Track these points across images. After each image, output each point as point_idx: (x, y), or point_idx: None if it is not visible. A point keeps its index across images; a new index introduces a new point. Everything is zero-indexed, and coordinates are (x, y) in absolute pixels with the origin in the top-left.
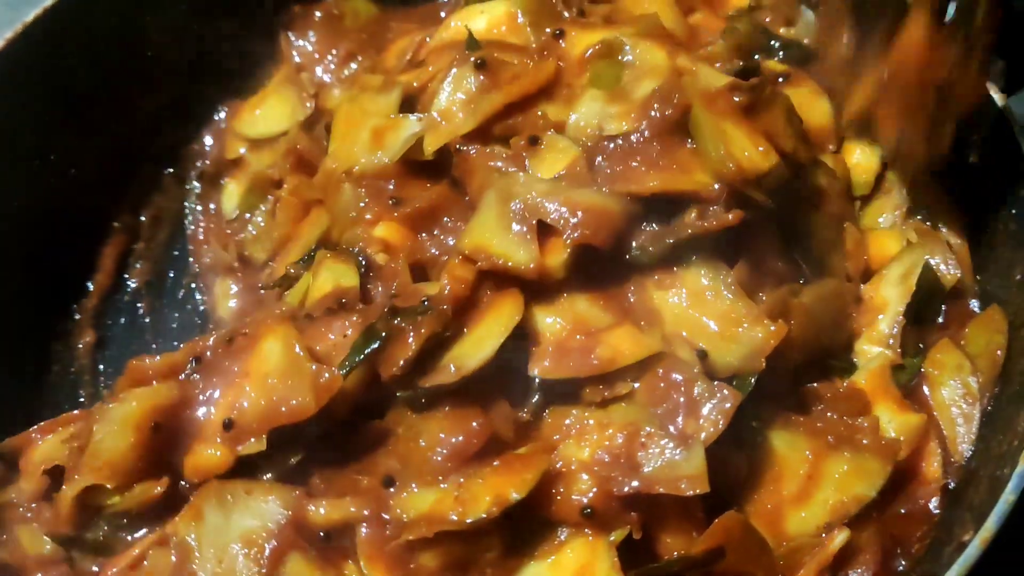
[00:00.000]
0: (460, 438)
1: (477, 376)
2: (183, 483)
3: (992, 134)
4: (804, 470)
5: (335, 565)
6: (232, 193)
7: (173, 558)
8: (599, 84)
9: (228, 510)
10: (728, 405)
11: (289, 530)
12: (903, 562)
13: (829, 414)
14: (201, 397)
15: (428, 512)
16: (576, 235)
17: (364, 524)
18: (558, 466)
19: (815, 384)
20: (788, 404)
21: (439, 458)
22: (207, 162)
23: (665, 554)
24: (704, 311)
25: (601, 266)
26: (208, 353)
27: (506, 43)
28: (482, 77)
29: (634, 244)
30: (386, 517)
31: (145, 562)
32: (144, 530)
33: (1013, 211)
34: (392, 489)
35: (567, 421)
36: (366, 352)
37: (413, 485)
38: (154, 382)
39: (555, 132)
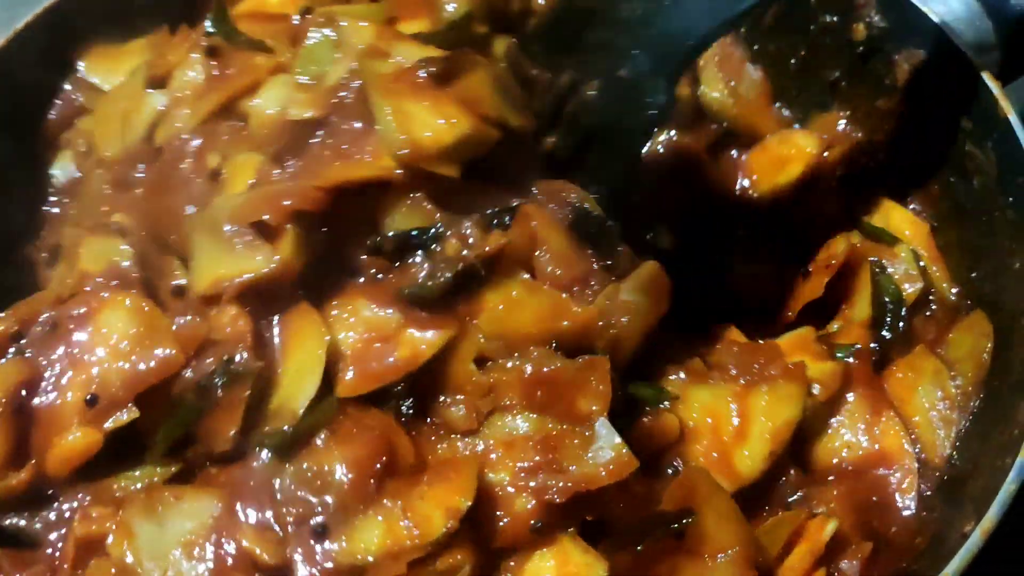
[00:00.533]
0: (361, 454)
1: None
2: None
3: (990, 124)
4: (733, 412)
5: None
6: (63, 156)
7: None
8: (306, 65)
9: (160, 519)
10: (600, 371)
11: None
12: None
13: (743, 363)
14: (47, 384)
15: (386, 548)
16: (289, 206)
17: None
18: (498, 492)
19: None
20: (688, 356)
21: (354, 482)
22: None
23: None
24: (523, 313)
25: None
26: (38, 328)
27: (268, 14)
28: (212, 63)
29: (411, 286)
30: (329, 566)
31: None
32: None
33: (1010, 199)
34: (327, 543)
35: (479, 448)
36: (186, 422)
37: (348, 523)
38: None
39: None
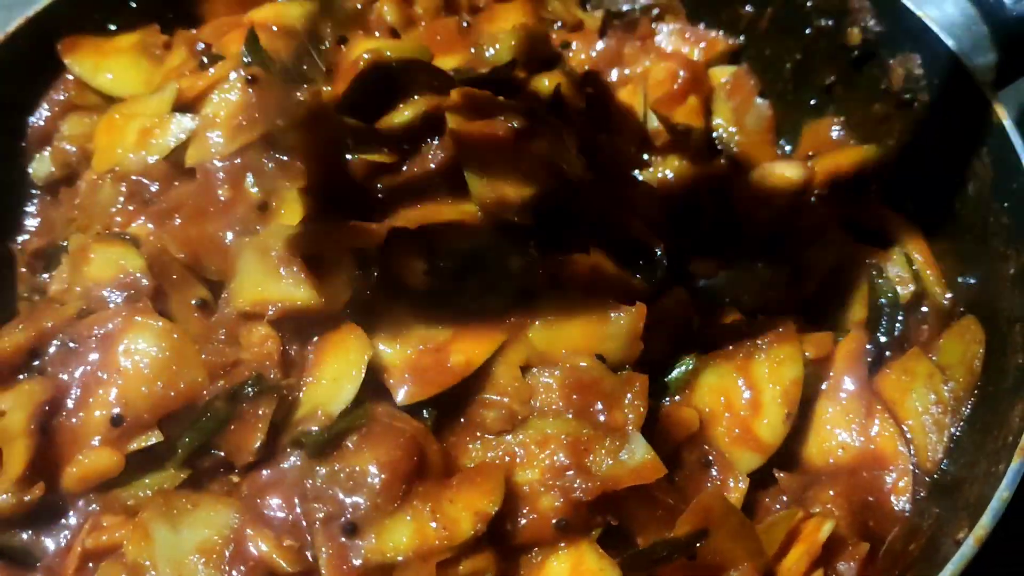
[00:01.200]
0: (392, 457)
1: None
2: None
3: (985, 128)
4: (741, 386)
5: None
6: (43, 155)
7: None
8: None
9: (177, 524)
10: (639, 387)
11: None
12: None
13: (735, 340)
14: (70, 402)
15: (415, 547)
16: (350, 244)
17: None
18: (525, 489)
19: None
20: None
21: (386, 483)
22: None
23: (646, 542)
24: (573, 323)
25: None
26: (57, 344)
27: (288, 28)
28: (250, 91)
29: (474, 297)
30: (358, 564)
31: None
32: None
33: (1005, 204)
34: (358, 540)
35: (515, 447)
36: (210, 432)
37: (379, 522)
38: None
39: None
